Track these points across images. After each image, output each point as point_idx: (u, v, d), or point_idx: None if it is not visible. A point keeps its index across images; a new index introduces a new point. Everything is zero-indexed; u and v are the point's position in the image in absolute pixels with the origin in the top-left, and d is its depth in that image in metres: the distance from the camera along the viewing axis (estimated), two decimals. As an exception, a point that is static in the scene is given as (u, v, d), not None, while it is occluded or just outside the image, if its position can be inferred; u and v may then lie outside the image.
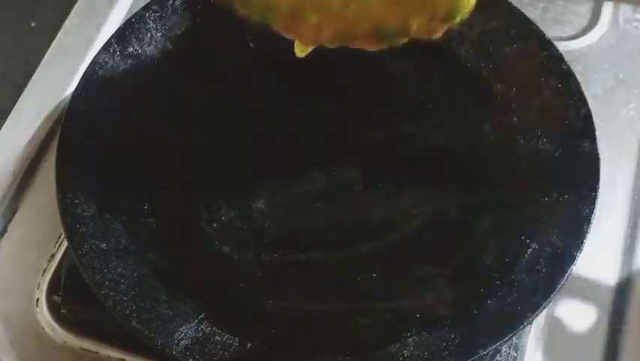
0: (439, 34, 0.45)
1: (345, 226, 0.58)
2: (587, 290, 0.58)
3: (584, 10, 0.73)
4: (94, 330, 0.58)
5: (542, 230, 0.55)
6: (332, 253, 0.57)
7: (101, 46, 0.63)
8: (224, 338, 0.52)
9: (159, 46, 0.65)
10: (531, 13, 0.64)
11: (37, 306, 0.60)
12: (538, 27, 0.62)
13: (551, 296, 0.51)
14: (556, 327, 0.57)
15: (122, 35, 0.64)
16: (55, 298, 0.60)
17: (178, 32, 0.66)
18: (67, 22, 0.73)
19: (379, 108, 0.64)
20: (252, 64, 0.65)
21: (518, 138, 0.60)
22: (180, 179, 0.60)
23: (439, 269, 0.56)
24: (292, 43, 0.49)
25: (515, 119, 0.61)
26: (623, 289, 0.59)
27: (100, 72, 0.62)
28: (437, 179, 0.60)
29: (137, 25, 0.64)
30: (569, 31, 0.72)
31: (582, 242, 0.53)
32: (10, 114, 0.68)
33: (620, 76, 0.68)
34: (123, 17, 0.74)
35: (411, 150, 0.61)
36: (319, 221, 0.58)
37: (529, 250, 0.54)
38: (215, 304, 0.54)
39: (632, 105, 0.67)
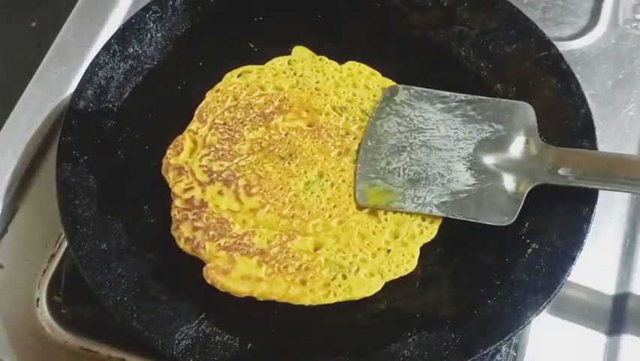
0: None
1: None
2: (587, 290, 0.58)
3: (584, 10, 0.73)
4: (94, 330, 0.58)
5: (542, 230, 0.55)
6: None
7: (101, 46, 0.63)
8: (225, 338, 0.53)
9: (159, 46, 0.65)
10: (531, 13, 0.64)
11: (37, 306, 0.60)
12: (538, 27, 0.62)
13: (551, 296, 0.51)
14: (556, 327, 0.57)
15: (122, 36, 0.64)
16: (56, 298, 0.60)
17: (178, 33, 0.66)
18: (67, 22, 0.73)
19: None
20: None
21: (518, 138, 0.60)
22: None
23: (439, 269, 0.56)
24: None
25: (515, 119, 0.61)
26: (623, 289, 0.59)
27: (100, 72, 0.62)
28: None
29: (137, 26, 0.64)
30: (569, 31, 0.72)
31: (582, 242, 0.53)
32: (11, 114, 0.68)
33: (620, 76, 0.68)
34: (123, 18, 0.74)
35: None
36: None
37: (529, 250, 0.54)
38: (215, 304, 0.55)
39: (632, 105, 0.67)
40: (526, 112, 0.57)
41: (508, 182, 0.55)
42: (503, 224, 0.54)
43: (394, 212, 0.57)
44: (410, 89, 0.61)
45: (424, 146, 0.57)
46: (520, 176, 0.55)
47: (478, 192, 0.55)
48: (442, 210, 0.55)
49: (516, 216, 0.54)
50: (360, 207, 0.58)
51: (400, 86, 0.60)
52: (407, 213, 0.57)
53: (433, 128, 0.57)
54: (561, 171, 0.54)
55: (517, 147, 0.56)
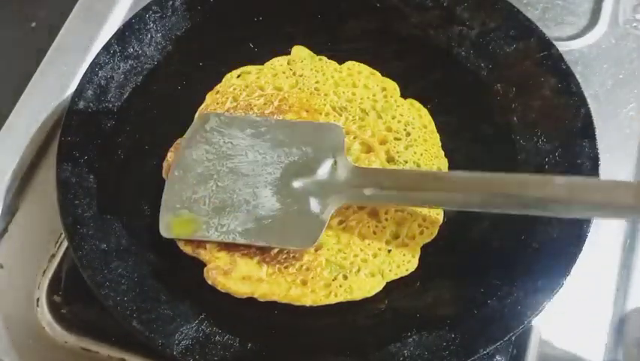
0: None
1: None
2: (587, 290, 0.58)
3: (584, 10, 0.73)
4: (94, 330, 0.58)
5: (542, 230, 0.55)
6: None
7: (101, 46, 0.63)
8: (225, 338, 0.53)
9: (159, 46, 0.65)
10: (531, 13, 0.64)
11: (37, 306, 0.60)
12: (538, 27, 0.62)
13: (551, 296, 0.51)
14: (556, 327, 0.57)
15: (122, 36, 0.64)
16: (56, 298, 0.60)
17: (178, 33, 0.66)
18: (67, 23, 0.73)
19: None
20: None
21: (518, 137, 0.60)
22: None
23: (439, 269, 0.56)
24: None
25: (515, 119, 0.61)
26: (623, 289, 0.59)
27: (100, 72, 0.62)
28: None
29: (137, 26, 0.64)
30: (569, 31, 0.72)
31: (582, 242, 0.53)
32: (11, 114, 0.68)
33: (620, 76, 0.68)
34: (123, 18, 0.74)
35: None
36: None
37: (529, 250, 0.55)
38: (215, 304, 0.55)
39: (632, 105, 0.67)
40: (336, 133, 0.57)
41: (314, 204, 0.54)
42: (305, 248, 0.55)
43: (395, 211, 0.57)
44: (221, 116, 0.60)
45: (232, 172, 0.56)
46: (325, 198, 0.54)
47: (283, 217, 0.54)
48: (245, 237, 0.54)
49: (319, 239, 0.54)
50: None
51: (212, 113, 0.60)
52: (408, 213, 0.57)
53: (242, 155, 0.57)
54: (366, 191, 0.54)
55: (324, 169, 0.55)
